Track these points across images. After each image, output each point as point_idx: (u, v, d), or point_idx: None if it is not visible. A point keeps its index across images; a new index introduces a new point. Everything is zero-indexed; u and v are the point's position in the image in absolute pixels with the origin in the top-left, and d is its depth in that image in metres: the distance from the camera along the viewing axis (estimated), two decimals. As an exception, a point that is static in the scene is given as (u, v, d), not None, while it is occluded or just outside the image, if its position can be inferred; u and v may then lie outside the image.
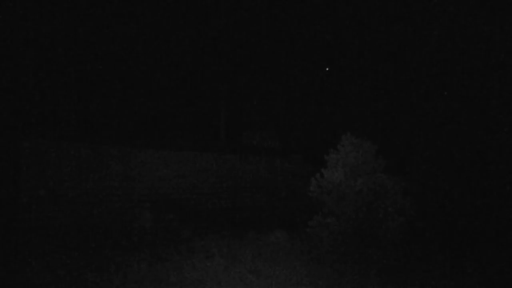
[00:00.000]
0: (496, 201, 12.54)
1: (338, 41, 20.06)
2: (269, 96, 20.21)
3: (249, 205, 14.92)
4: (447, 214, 11.82)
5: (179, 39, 16.41)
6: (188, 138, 14.91)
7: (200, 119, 17.30)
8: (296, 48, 19.98)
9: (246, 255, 9.29)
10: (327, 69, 21.76)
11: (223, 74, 18.12)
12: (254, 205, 15.12)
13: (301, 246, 10.34)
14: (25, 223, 9.94)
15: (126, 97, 15.20)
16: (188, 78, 17.10)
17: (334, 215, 9.07)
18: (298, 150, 18.46)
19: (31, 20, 12.51)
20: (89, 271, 7.93)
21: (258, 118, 19.78)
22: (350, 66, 19.25)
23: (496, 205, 12.44)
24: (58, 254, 9.29)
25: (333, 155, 9.66)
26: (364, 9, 18.26)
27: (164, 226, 11.94)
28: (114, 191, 11.47)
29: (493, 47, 15.08)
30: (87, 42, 14.14)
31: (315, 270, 8.39)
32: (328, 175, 9.35)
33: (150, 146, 12.49)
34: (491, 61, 15.07)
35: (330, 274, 8.13)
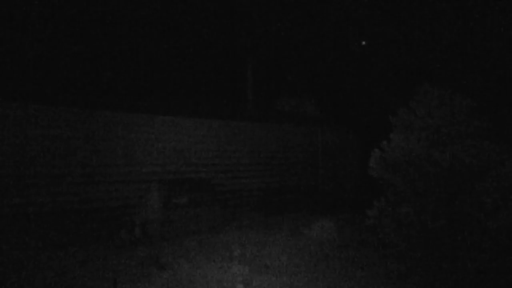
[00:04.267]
0: None
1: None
2: (307, 55, 17.06)
3: (284, 185, 12.11)
4: None
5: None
6: (208, 104, 12.13)
7: (223, 81, 14.43)
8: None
9: (278, 259, 6.52)
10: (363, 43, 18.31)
11: (250, 28, 15.08)
12: (289, 185, 12.30)
13: (355, 245, 7.45)
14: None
15: (134, 52, 12.50)
16: (210, 30, 14.15)
17: (409, 203, 6.11)
18: (343, 120, 15.40)
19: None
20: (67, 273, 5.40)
21: (294, 81, 16.73)
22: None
23: None
24: (33, 250, 6.88)
25: (405, 115, 6.63)
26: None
27: (175, 214, 9.35)
28: (111, 169, 8.88)
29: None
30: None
31: None
32: (398, 144, 6.35)
33: (159, 111, 9.78)
34: None
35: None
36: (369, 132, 14.36)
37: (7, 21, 10.13)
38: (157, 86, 12.67)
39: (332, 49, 17.44)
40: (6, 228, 7.15)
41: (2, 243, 6.91)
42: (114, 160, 8.89)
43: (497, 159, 5.92)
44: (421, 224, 5.88)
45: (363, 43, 18.50)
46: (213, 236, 8.22)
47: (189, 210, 9.66)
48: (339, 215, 9.62)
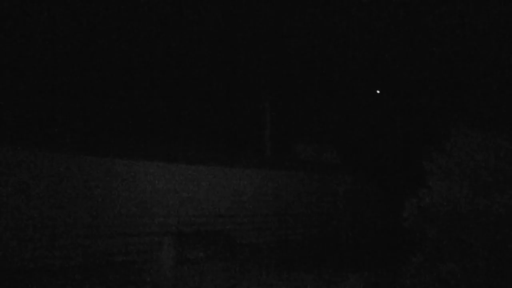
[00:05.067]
0: None
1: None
2: (323, 102, 16.75)
3: (304, 236, 11.37)
4: None
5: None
6: (224, 150, 11.69)
7: (239, 127, 14.06)
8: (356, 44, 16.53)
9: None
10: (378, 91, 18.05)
11: (266, 80, 14.91)
12: (310, 236, 11.55)
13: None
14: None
15: (145, 94, 12.26)
16: (225, 74, 13.97)
17: (455, 259, 5.39)
18: (363, 168, 14.77)
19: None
20: None
21: (310, 128, 16.31)
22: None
23: None
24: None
25: (441, 160, 6.04)
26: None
27: (190, 270, 8.68)
28: (119, 220, 8.32)
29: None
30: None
31: None
32: (437, 192, 5.73)
33: (171, 158, 9.33)
34: None
35: None
36: (392, 181, 13.71)
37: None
38: (170, 131, 12.35)
39: (350, 93, 17.14)
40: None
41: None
42: (122, 211, 8.33)
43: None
44: (470, 284, 5.14)
45: (378, 91, 18.22)
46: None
47: (205, 266, 8.97)
48: (367, 270, 8.81)
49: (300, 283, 8.16)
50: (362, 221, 13.18)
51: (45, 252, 7.12)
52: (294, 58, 15.50)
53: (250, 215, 10.17)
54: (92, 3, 11.48)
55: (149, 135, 11.65)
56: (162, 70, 12.98)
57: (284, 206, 10.96)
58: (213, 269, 8.87)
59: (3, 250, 6.67)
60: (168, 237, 8.85)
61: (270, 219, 10.58)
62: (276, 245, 10.52)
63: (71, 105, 11.04)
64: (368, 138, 17.05)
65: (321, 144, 15.32)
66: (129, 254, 8.23)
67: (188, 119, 13.03)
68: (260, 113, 13.42)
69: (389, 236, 11.85)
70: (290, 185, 11.26)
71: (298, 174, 11.55)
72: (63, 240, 7.37)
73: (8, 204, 6.81)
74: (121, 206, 8.23)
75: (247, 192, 10.24)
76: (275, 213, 10.71)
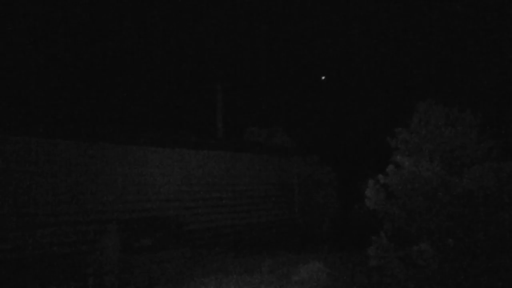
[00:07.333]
0: None
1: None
2: (276, 86, 16.37)
3: (258, 220, 10.95)
4: None
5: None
6: (176, 133, 10.96)
7: (191, 110, 13.35)
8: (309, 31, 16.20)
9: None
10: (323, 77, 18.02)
11: (220, 59, 14.25)
12: (264, 220, 11.14)
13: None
14: None
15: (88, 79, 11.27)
16: (176, 62, 13.19)
17: (423, 239, 5.14)
18: (317, 150, 14.57)
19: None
20: None
21: (264, 111, 15.90)
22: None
23: None
24: None
25: (406, 135, 5.77)
26: None
27: (137, 259, 7.98)
28: (57, 207, 7.44)
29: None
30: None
31: None
32: (407, 169, 5.44)
33: (116, 139, 8.46)
34: None
35: None
36: (346, 163, 13.60)
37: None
38: (118, 113, 11.44)
39: (301, 75, 16.86)
40: None
41: None
42: (59, 197, 7.47)
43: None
44: (441, 263, 4.90)
45: (323, 77, 18.11)
46: (183, 287, 6.92)
47: (153, 254, 8.31)
48: (325, 253, 8.55)
49: (258, 268, 7.71)
50: (318, 202, 12.98)
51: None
52: (247, 42, 14.95)
53: (202, 198, 9.58)
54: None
55: (92, 116, 10.69)
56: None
57: (237, 189, 10.46)
58: (162, 257, 8.23)
59: None
60: (112, 224, 8.06)
61: (223, 202, 10.04)
62: (230, 230, 10.02)
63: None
64: (319, 121, 16.88)
65: (273, 127, 14.98)
66: (68, 245, 7.41)
67: (141, 102, 12.16)
68: (212, 96, 12.78)
69: (347, 217, 11.71)
70: (243, 167, 10.77)
71: (251, 155, 11.07)
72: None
73: None
74: (57, 190, 7.37)
75: (198, 174, 9.63)
76: (228, 196, 10.19)
